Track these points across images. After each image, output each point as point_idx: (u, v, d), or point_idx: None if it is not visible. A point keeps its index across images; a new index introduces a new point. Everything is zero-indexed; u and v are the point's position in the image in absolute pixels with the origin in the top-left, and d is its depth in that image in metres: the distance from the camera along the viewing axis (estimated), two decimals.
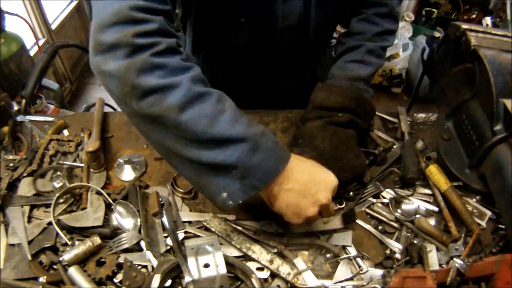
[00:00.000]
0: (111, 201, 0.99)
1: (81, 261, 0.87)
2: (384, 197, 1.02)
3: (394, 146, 1.14)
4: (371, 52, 1.09)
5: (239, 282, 0.86)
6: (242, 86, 1.20)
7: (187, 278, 0.82)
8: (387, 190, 1.02)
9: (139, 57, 0.70)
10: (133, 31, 0.70)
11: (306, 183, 0.78)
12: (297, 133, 1.06)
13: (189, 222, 0.97)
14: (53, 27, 3.41)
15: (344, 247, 0.92)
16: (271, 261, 0.87)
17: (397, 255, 0.90)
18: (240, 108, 0.80)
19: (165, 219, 0.95)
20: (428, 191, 1.03)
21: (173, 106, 0.71)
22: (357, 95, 1.02)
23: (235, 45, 1.14)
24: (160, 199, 0.99)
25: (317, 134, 0.99)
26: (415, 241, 0.93)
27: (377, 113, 1.28)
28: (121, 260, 0.87)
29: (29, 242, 0.90)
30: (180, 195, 1.04)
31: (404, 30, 3.50)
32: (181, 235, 0.94)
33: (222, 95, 0.79)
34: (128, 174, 1.10)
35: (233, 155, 0.73)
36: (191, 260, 0.85)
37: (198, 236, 0.94)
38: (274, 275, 0.87)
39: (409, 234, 0.95)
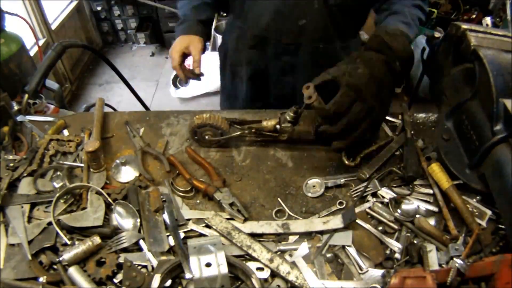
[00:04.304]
0: (111, 201, 0.99)
1: (81, 261, 0.87)
2: (383, 197, 1.02)
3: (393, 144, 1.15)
4: (413, 18, 1.20)
5: (239, 282, 0.86)
6: None
7: (188, 275, 0.82)
8: (387, 190, 1.02)
9: None
10: None
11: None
12: (357, 53, 1.08)
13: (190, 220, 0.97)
14: (53, 27, 3.41)
15: (344, 247, 0.92)
16: (271, 260, 0.87)
17: (397, 255, 0.90)
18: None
19: (166, 216, 0.95)
20: (428, 191, 1.03)
21: None
22: (411, 51, 1.07)
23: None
24: (162, 197, 0.99)
25: (374, 63, 1.03)
26: (415, 241, 0.93)
27: None
28: (121, 260, 0.87)
29: (29, 242, 0.91)
30: (180, 194, 1.04)
31: None
32: (182, 234, 0.94)
33: None
34: (124, 175, 1.09)
35: None
36: (193, 259, 0.85)
37: (200, 233, 0.94)
38: (274, 275, 0.87)
39: (409, 234, 0.95)
